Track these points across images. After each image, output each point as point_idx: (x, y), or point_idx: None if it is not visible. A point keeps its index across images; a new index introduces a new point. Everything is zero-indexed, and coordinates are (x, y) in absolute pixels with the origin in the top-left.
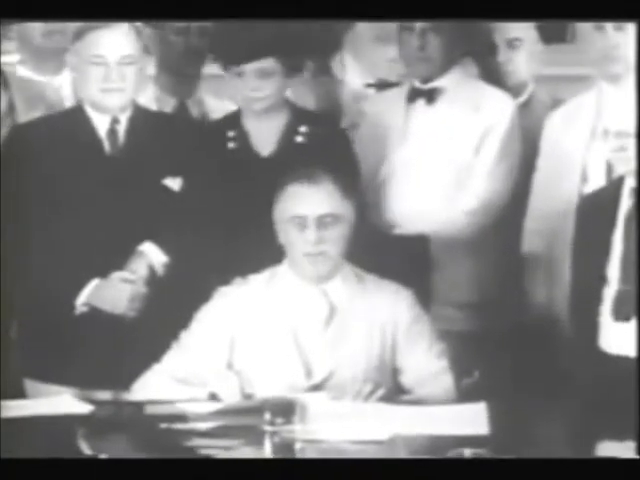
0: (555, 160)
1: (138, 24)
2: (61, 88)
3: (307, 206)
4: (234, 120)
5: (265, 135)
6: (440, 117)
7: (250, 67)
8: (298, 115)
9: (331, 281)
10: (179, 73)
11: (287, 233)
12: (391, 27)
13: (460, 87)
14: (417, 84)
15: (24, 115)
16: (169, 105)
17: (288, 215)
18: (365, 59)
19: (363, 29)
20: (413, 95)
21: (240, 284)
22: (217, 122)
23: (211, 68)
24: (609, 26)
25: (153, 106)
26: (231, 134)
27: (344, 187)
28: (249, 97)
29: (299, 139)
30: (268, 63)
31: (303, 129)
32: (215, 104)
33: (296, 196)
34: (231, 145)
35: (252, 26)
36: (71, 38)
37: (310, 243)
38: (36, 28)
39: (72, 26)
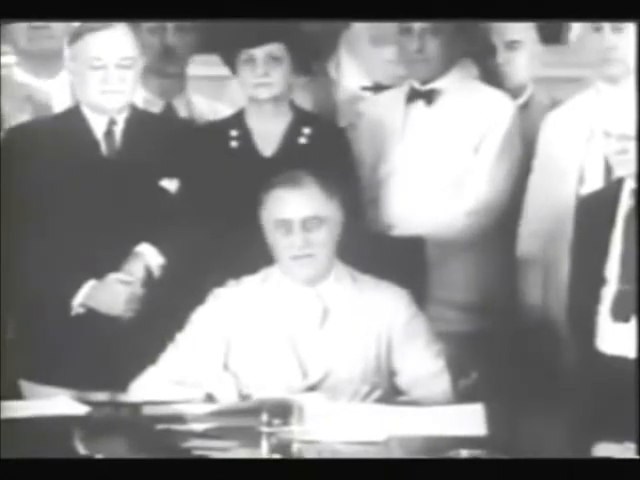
0: (552, 161)
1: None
2: (58, 90)
3: (291, 210)
4: (238, 119)
5: (268, 135)
6: (439, 118)
7: (260, 51)
8: (302, 117)
9: (325, 282)
10: (161, 74)
11: (274, 237)
12: (388, 28)
13: (459, 88)
14: (416, 85)
15: (20, 117)
16: (157, 106)
17: (273, 219)
18: (362, 60)
19: (360, 30)
20: (412, 96)
21: (234, 286)
22: (220, 121)
23: (197, 69)
24: (607, 28)
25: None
26: (234, 133)
27: (329, 189)
28: (258, 83)
29: (302, 140)
30: (278, 48)
31: (307, 131)
32: (203, 104)
33: (280, 200)
34: (234, 144)
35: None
36: (68, 40)
37: (296, 247)
38: (20, 32)
39: (60, 30)
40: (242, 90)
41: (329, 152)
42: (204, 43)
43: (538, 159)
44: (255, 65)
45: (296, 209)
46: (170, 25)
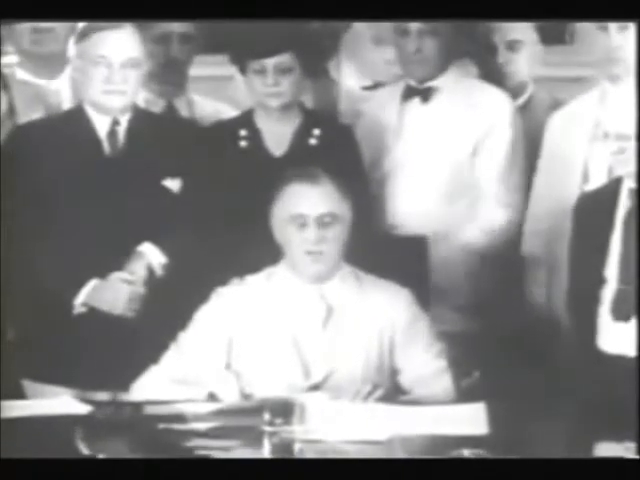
0: (556, 161)
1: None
2: (60, 91)
3: (307, 205)
4: (247, 119)
5: (278, 136)
6: (435, 115)
7: (271, 62)
8: (311, 118)
9: (329, 281)
10: (163, 81)
11: (286, 232)
12: (389, 28)
13: (455, 85)
14: (412, 83)
15: (24, 117)
16: (158, 106)
17: (288, 214)
18: (362, 61)
19: (360, 30)
20: (408, 94)
21: (237, 285)
22: (228, 121)
23: (198, 69)
24: (612, 27)
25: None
26: (243, 133)
27: (343, 188)
28: (268, 93)
29: (312, 141)
30: (288, 58)
31: (317, 132)
32: (205, 104)
33: (296, 195)
34: (243, 144)
35: (262, 24)
36: (75, 38)
37: (310, 242)
38: (22, 33)
39: (62, 32)
40: (251, 95)
41: (339, 153)
42: (210, 47)
43: (543, 158)
44: (265, 75)
45: (312, 204)
46: (175, 36)
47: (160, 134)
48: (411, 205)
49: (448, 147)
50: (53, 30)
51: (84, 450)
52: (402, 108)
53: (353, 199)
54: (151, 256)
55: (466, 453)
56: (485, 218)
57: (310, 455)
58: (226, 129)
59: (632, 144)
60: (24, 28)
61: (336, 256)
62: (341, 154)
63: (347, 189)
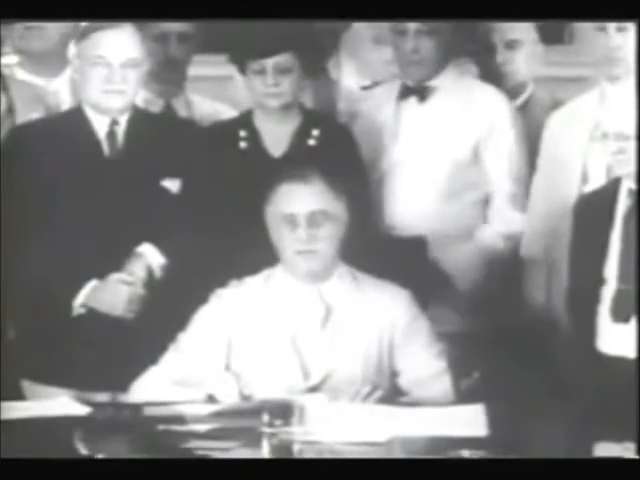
0: (555, 161)
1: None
2: (59, 91)
3: (298, 204)
4: (246, 120)
5: (278, 136)
6: (432, 115)
7: (270, 62)
8: (311, 119)
9: (327, 281)
10: (162, 80)
11: (279, 232)
12: (388, 28)
13: (453, 85)
14: (408, 82)
15: (23, 117)
16: (156, 106)
17: (280, 214)
18: (362, 61)
19: (360, 30)
20: (404, 93)
21: (236, 286)
22: (228, 122)
23: (197, 69)
24: (611, 27)
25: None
26: (243, 134)
27: (336, 186)
28: (268, 93)
29: (311, 142)
30: (287, 59)
31: (316, 132)
32: (203, 104)
33: (288, 195)
34: (242, 145)
35: (262, 24)
36: (75, 37)
37: (301, 241)
38: (18, 32)
39: (54, 28)
40: (251, 96)
41: (338, 153)
42: (209, 47)
43: (542, 158)
44: (265, 75)
45: (303, 203)
46: (173, 34)
47: (159, 134)
48: (409, 205)
49: (445, 147)
50: (45, 27)
51: (83, 451)
52: (398, 108)
53: (349, 199)
54: (150, 257)
55: (465, 454)
56: (502, 221)
57: (309, 456)
58: (225, 130)
59: (632, 144)
60: (18, 26)
61: (331, 255)
62: (340, 155)
63: (341, 188)
